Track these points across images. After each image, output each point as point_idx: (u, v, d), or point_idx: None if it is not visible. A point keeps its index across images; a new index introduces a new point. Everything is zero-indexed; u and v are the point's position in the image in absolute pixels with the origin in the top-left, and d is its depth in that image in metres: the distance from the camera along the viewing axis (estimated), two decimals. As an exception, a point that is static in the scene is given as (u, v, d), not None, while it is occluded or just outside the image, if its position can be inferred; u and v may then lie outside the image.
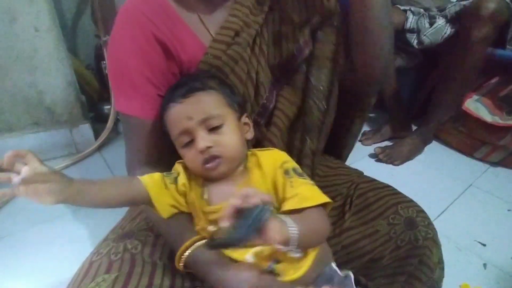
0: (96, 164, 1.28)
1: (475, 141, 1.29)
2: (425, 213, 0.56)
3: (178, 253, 0.46)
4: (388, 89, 1.35)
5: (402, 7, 1.30)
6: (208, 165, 0.46)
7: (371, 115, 1.59)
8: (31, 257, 0.88)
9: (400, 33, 1.28)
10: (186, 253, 0.46)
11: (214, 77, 0.51)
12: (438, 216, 1.01)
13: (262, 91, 0.57)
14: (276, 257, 0.44)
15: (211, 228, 0.45)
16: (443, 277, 0.55)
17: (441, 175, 1.21)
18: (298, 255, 0.39)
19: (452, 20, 1.20)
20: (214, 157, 0.46)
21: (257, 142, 0.58)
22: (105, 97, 1.47)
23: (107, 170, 1.24)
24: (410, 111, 1.45)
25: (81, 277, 0.46)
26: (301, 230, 0.37)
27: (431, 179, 1.19)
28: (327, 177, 0.66)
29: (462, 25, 1.15)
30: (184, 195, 0.49)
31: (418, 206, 0.56)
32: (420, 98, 1.49)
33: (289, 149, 0.60)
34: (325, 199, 0.43)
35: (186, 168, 0.50)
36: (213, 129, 0.46)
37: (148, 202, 0.46)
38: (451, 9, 1.20)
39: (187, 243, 0.46)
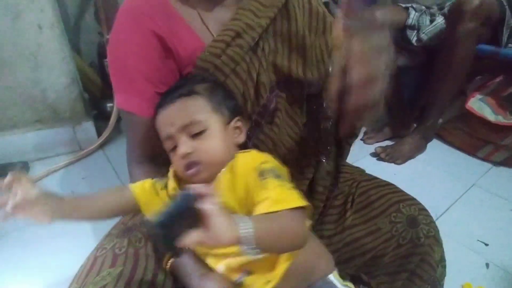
0: (98, 161, 1.29)
1: (478, 140, 1.29)
2: (427, 211, 0.56)
3: (166, 257, 0.47)
4: (389, 89, 1.35)
5: (404, 5, 1.30)
6: (189, 172, 0.46)
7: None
8: (35, 253, 0.88)
9: (401, 31, 1.28)
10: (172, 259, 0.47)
11: (205, 80, 0.51)
12: (441, 215, 1.00)
13: (262, 91, 0.57)
14: (247, 269, 0.44)
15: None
16: (444, 275, 0.55)
17: (444, 175, 1.21)
18: (256, 256, 0.35)
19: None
20: (194, 163, 0.46)
21: (261, 143, 0.58)
22: (108, 94, 1.47)
23: (110, 168, 1.24)
24: (413, 110, 1.45)
25: (86, 272, 0.47)
26: (260, 230, 0.34)
27: (433, 179, 1.18)
28: (328, 175, 0.66)
29: (449, 21, 1.16)
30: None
31: (420, 204, 0.56)
32: (423, 97, 1.49)
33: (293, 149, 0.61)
34: (299, 203, 0.39)
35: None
36: (195, 135, 0.46)
37: (139, 211, 0.48)
38: (448, 6, 1.20)
39: None
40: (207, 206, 0.31)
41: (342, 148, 0.67)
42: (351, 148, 0.70)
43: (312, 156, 0.62)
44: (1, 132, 1.22)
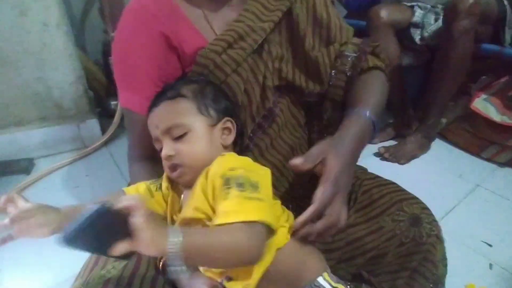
0: (102, 158, 1.30)
1: (482, 141, 1.28)
2: (429, 210, 0.55)
3: (158, 257, 0.47)
4: (392, 88, 1.35)
5: (409, 3, 1.29)
6: (173, 174, 0.47)
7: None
8: (40, 250, 0.89)
9: (406, 30, 1.27)
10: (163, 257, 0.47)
11: (194, 82, 0.51)
12: (445, 216, 1.00)
13: (269, 95, 0.58)
14: (227, 275, 0.44)
15: None
16: (446, 273, 0.55)
17: (448, 175, 1.20)
18: (182, 274, 0.33)
19: None
20: (176, 166, 0.46)
21: (262, 142, 0.58)
22: (112, 92, 1.48)
23: (114, 165, 1.25)
24: (416, 110, 1.44)
25: (91, 266, 0.48)
26: (191, 245, 0.33)
27: (437, 179, 1.18)
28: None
29: (445, 20, 1.16)
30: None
31: (423, 203, 0.56)
32: (425, 97, 1.48)
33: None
34: (254, 216, 0.37)
35: None
36: (178, 138, 0.47)
37: None
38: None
39: None
40: (134, 219, 0.31)
41: None
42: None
43: None
44: (7, 129, 1.23)
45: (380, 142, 1.38)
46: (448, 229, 0.58)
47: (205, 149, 0.47)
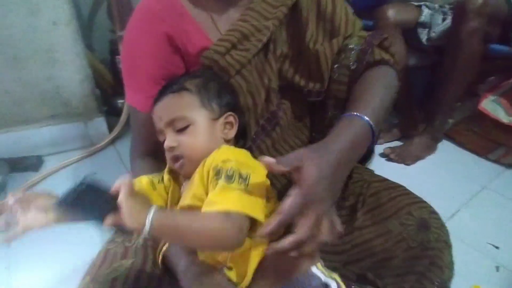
0: (109, 157, 1.31)
1: (490, 142, 1.26)
2: (438, 214, 0.55)
3: (158, 249, 0.49)
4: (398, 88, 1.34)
5: (416, 3, 1.28)
6: (175, 165, 0.49)
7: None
8: (48, 245, 0.91)
9: (412, 30, 1.26)
10: (163, 249, 0.48)
11: (199, 76, 0.52)
12: (451, 217, 0.99)
13: (273, 97, 0.58)
14: (225, 265, 0.45)
15: None
16: (452, 277, 0.55)
17: (454, 176, 1.19)
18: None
19: None
20: (178, 157, 0.48)
21: (266, 148, 0.59)
22: (119, 91, 1.49)
23: (120, 163, 1.27)
24: (422, 111, 1.43)
25: (99, 263, 0.49)
26: (166, 223, 0.36)
27: (443, 180, 1.17)
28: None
29: (453, 20, 1.15)
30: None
31: (431, 207, 0.55)
32: (431, 97, 1.47)
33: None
34: (233, 207, 0.39)
35: None
36: (180, 130, 0.48)
37: None
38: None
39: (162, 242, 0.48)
40: (121, 194, 0.35)
41: None
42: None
43: None
44: (16, 127, 1.25)
45: (386, 142, 1.37)
46: (454, 230, 0.58)
47: (206, 142, 0.48)
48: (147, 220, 0.35)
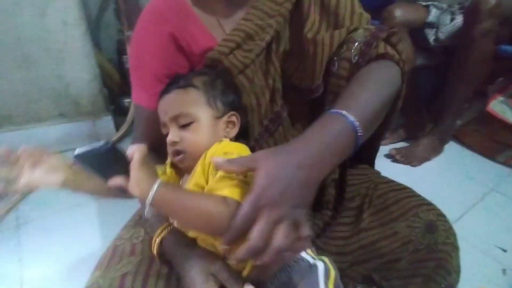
0: (117, 155, 1.33)
1: (498, 144, 1.25)
2: (446, 217, 0.55)
3: (153, 240, 0.49)
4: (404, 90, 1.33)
5: (424, 3, 1.27)
6: (176, 158, 0.50)
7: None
8: (58, 240, 0.93)
9: (419, 30, 1.25)
10: (158, 240, 0.48)
11: (206, 73, 0.53)
12: (458, 219, 0.99)
13: (277, 98, 0.58)
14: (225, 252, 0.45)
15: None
16: (458, 280, 0.54)
17: (461, 178, 1.18)
18: (148, 215, 0.40)
19: None
20: (179, 151, 0.49)
21: (266, 145, 0.59)
22: (126, 90, 1.51)
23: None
24: (428, 111, 1.42)
25: (108, 260, 0.50)
26: (164, 196, 0.38)
27: (450, 182, 1.16)
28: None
29: (465, 21, 1.13)
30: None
31: (439, 210, 0.55)
32: (439, 98, 1.46)
33: None
34: (227, 193, 0.39)
35: None
36: (184, 126, 0.49)
37: None
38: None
39: (158, 231, 0.49)
40: (133, 161, 0.37)
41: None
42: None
43: None
44: (26, 125, 1.27)
45: (391, 143, 1.37)
46: (461, 233, 0.58)
47: (207, 139, 0.49)
48: (151, 191, 0.37)
